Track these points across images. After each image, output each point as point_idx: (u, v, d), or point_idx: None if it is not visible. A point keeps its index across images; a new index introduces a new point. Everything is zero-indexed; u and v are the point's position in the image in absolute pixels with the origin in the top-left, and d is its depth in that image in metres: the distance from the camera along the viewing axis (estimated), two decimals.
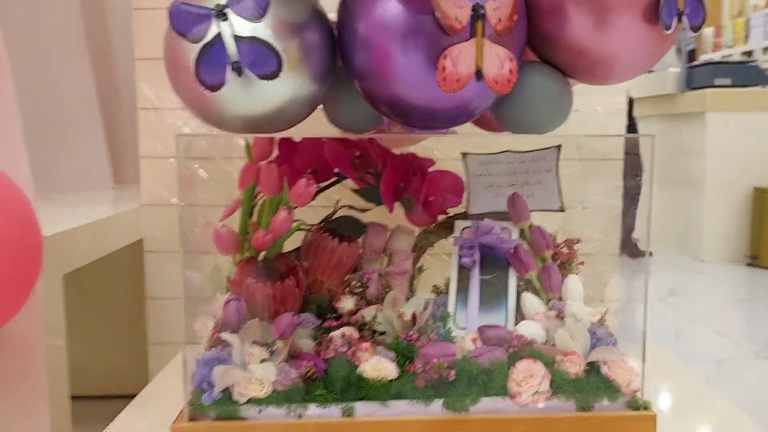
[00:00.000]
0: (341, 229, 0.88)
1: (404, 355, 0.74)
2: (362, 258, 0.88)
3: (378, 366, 0.72)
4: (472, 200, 0.93)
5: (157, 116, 1.24)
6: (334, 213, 0.89)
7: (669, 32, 0.69)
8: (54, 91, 1.54)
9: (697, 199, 3.83)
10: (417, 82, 0.67)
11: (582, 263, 0.89)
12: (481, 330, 0.79)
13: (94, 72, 1.57)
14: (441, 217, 0.93)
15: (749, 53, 6.62)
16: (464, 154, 0.93)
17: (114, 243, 1.16)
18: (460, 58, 0.63)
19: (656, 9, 0.68)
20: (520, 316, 0.84)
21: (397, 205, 0.89)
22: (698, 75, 3.80)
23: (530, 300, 0.84)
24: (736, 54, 6.81)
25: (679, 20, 0.69)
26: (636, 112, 4.29)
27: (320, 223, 0.89)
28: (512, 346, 0.75)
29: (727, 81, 3.67)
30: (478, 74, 0.64)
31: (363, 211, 0.92)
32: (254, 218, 0.82)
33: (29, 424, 0.87)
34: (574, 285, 0.84)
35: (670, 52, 4.24)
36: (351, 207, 0.91)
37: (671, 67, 4.10)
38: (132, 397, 1.57)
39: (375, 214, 0.91)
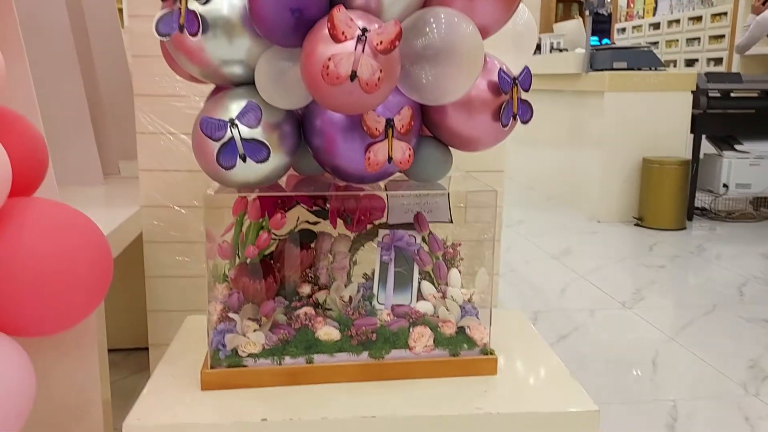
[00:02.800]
0: (301, 238, 1.29)
1: (344, 324, 1.18)
2: (315, 258, 1.30)
3: (328, 332, 1.15)
4: (390, 215, 1.35)
5: (154, 140, 1.60)
6: (296, 227, 1.30)
7: (506, 128, 1.12)
8: (49, 101, 1.85)
9: (595, 166, 4.38)
10: (352, 160, 1.08)
11: (462, 259, 1.34)
12: (393, 307, 1.23)
13: (83, 84, 1.88)
14: (369, 227, 1.35)
15: (657, 25, 7.19)
16: (386, 185, 1.35)
17: (127, 238, 1.54)
18: (379, 151, 1.05)
19: (499, 112, 1.11)
20: (420, 296, 1.28)
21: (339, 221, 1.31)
22: (599, 58, 4.29)
23: (426, 286, 1.28)
24: (645, 24, 7.34)
25: (515, 119, 1.13)
26: (546, 86, 4.78)
27: (286, 234, 1.30)
28: (411, 317, 1.20)
29: (624, 64, 4.18)
30: (390, 159, 1.06)
31: (315, 224, 1.33)
32: (242, 236, 1.22)
33: (84, 371, 1.26)
34: (454, 276, 1.29)
35: (581, 35, 4.71)
36: (307, 222, 1.32)
37: (578, 48, 4.58)
38: (134, 350, 2.00)
39: (323, 226, 1.33)
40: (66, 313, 0.94)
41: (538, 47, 6.29)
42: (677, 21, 6.86)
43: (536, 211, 4.76)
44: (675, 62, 6.84)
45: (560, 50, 5.24)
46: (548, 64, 4.94)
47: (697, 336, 2.40)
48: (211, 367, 1.11)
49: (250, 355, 1.12)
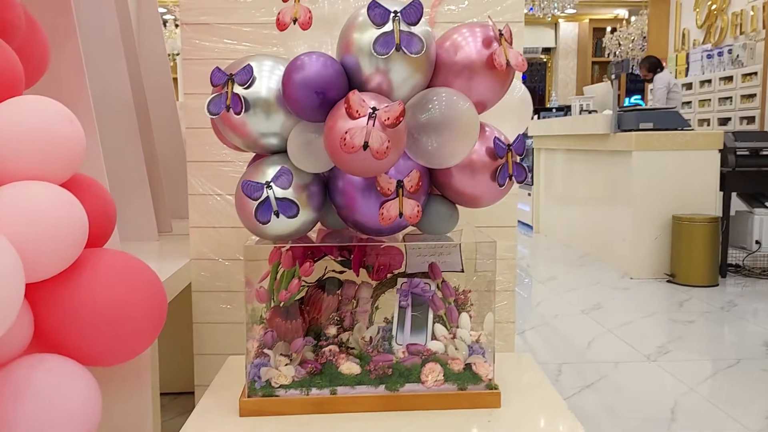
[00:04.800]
0: (327, 285, 1.46)
1: (364, 360, 1.33)
2: (340, 303, 1.46)
3: (350, 367, 1.31)
4: (408, 265, 1.52)
5: (203, 200, 1.82)
6: (324, 275, 1.48)
7: (503, 188, 1.29)
8: (113, 167, 2.10)
9: (627, 223, 4.47)
10: (369, 216, 1.26)
11: (472, 305, 1.48)
12: (408, 346, 1.38)
13: (143, 151, 2.13)
14: (389, 276, 1.52)
15: (689, 85, 7.30)
16: (404, 237, 1.53)
17: (178, 287, 1.74)
18: (391, 208, 1.23)
19: (497, 173, 1.28)
20: (434, 337, 1.43)
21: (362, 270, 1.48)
22: (626, 119, 4.44)
23: (439, 328, 1.43)
24: (678, 84, 7.43)
25: (510, 179, 1.29)
26: (578, 146, 4.94)
27: (315, 281, 1.47)
28: (424, 355, 1.34)
29: (650, 125, 4.31)
30: (401, 215, 1.24)
31: (341, 272, 1.50)
32: (276, 282, 1.40)
33: (139, 407, 1.44)
34: (464, 319, 1.44)
35: (610, 97, 4.86)
36: (334, 271, 1.49)
37: (606, 110, 4.75)
38: (181, 394, 2.18)
39: (348, 275, 1.50)
40: (128, 346, 1.13)
41: (569, 109, 6.48)
42: (709, 81, 6.98)
43: (570, 267, 4.84)
44: (708, 121, 6.93)
45: (589, 112, 5.41)
46: (579, 125, 5.11)
47: (718, 388, 2.45)
48: (248, 396, 1.28)
49: (281, 386, 1.29)
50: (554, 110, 7.07)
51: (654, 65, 6.02)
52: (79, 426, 1.03)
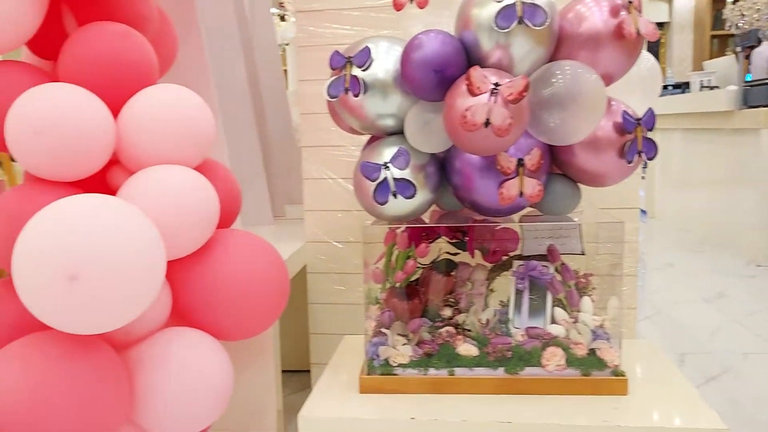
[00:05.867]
0: (443, 267, 1.46)
1: (482, 342, 1.32)
2: (456, 285, 1.45)
3: (467, 348, 1.30)
4: (524, 247, 1.48)
5: (317, 184, 1.86)
6: (438, 257, 1.47)
7: (631, 165, 1.23)
8: (233, 154, 2.19)
9: (753, 206, 4.17)
10: (487, 196, 1.24)
11: (594, 288, 1.43)
12: (527, 329, 1.35)
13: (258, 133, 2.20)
14: (504, 258, 1.49)
15: None
16: (520, 218, 1.49)
17: (293, 269, 1.80)
18: (511, 187, 1.20)
19: (623, 150, 1.22)
20: (552, 321, 1.39)
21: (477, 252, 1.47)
22: (755, 94, 4.12)
23: (559, 312, 1.39)
24: None
25: (639, 156, 1.23)
26: (697, 125, 4.65)
27: (430, 263, 1.47)
28: (544, 339, 1.31)
29: None
30: (521, 194, 1.20)
31: (455, 254, 1.49)
32: (392, 263, 1.41)
33: (263, 381, 1.50)
34: (586, 303, 1.38)
35: (734, 71, 4.55)
36: (448, 253, 1.48)
37: (730, 85, 4.43)
38: (297, 371, 2.25)
39: (462, 256, 1.49)
40: (256, 321, 1.18)
41: (686, 86, 6.10)
42: None
43: (688, 254, 4.57)
44: None
45: (711, 88, 5.07)
46: (699, 102, 4.80)
47: None
48: (367, 374, 1.30)
49: (399, 365, 1.30)
50: (670, 87, 6.66)
51: None
52: (213, 397, 1.08)
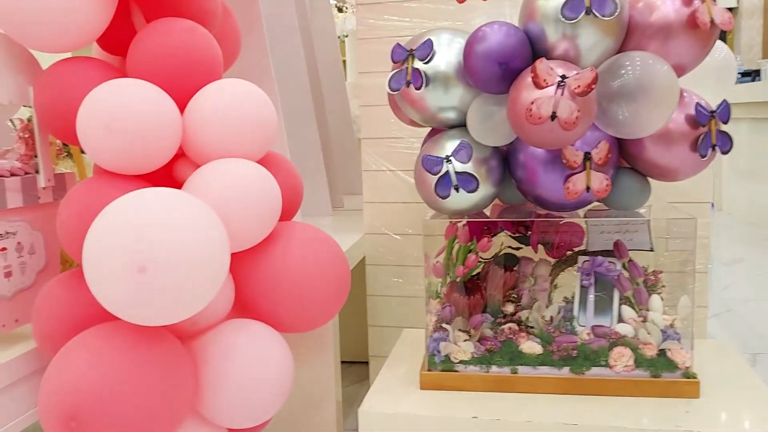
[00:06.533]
0: (505, 261, 1.43)
1: (546, 340, 1.29)
2: (518, 280, 1.43)
3: (531, 346, 1.27)
4: (590, 243, 1.44)
5: (376, 176, 1.86)
6: (500, 251, 1.45)
7: (705, 159, 1.17)
8: (293, 146, 2.20)
9: None
10: (552, 191, 1.21)
11: (664, 286, 1.38)
12: (594, 327, 1.31)
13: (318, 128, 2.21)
14: (569, 253, 1.45)
15: None
16: (585, 213, 1.45)
17: (353, 261, 1.80)
18: (578, 181, 1.16)
19: (697, 143, 1.17)
20: (620, 320, 1.35)
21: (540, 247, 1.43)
22: None
23: (627, 310, 1.34)
24: None
25: (713, 150, 1.17)
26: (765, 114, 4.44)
27: (492, 257, 1.44)
28: (611, 338, 1.27)
29: None
30: (588, 189, 1.17)
31: (517, 249, 1.46)
32: (453, 257, 1.39)
33: (323, 371, 1.51)
34: (655, 301, 1.33)
35: None
36: (510, 247, 1.46)
37: None
38: (355, 363, 2.26)
39: (525, 251, 1.45)
40: (318, 314, 1.18)
41: (756, 74, 5.82)
42: None
43: (759, 249, 4.37)
44: None
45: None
46: (747, 93, 4.58)
47: None
48: (428, 370, 1.29)
49: (461, 362, 1.28)
50: (739, 75, 6.37)
51: None
52: (276, 389, 1.09)
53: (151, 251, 0.84)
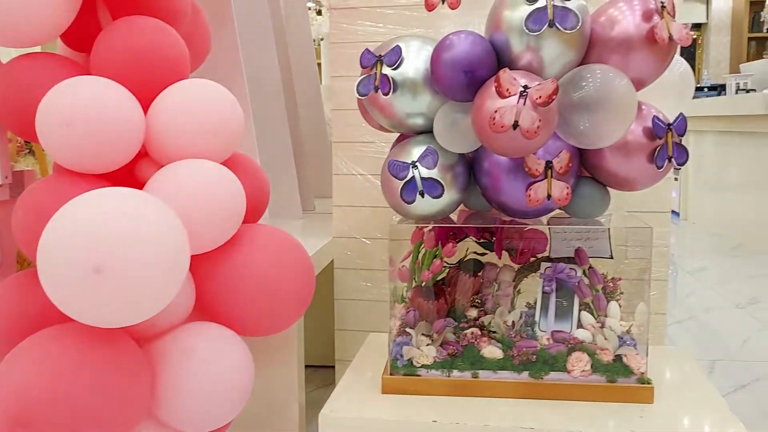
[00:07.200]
0: (469, 267, 1.45)
1: (507, 345, 1.30)
2: (482, 285, 1.44)
3: (492, 351, 1.29)
4: (553, 250, 1.46)
5: (346, 180, 1.86)
6: (465, 257, 1.46)
7: (661, 170, 1.20)
8: (263, 147, 2.19)
9: None
10: (515, 198, 1.22)
11: (622, 293, 1.40)
12: (553, 333, 1.33)
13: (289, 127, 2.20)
14: (532, 260, 1.47)
15: None
16: (548, 220, 1.47)
17: (321, 264, 1.80)
18: (539, 189, 1.18)
19: (654, 155, 1.20)
20: (579, 326, 1.37)
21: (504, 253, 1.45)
22: None
23: (586, 316, 1.36)
24: None
25: (669, 161, 1.20)
26: (733, 128, 4.54)
27: (456, 263, 1.46)
28: (570, 343, 1.29)
29: None
30: (549, 197, 1.19)
31: (482, 255, 1.48)
32: (418, 262, 1.40)
33: (286, 376, 1.51)
34: (613, 308, 1.36)
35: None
36: (475, 253, 1.47)
37: (766, 89, 4.32)
38: (321, 367, 2.25)
39: (489, 257, 1.47)
40: (280, 318, 1.18)
41: (722, 88, 5.96)
42: None
43: (722, 258, 4.47)
44: None
45: (747, 91, 4.95)
46: (734, 105, 4.69)
47: None
48: (390, 374, 1.30)
49: (423, 366, 1.29)
50: (706, 90, 6.53)
51: None
52: (235, 393, 1.09)
53: (107, 251, 0.83)
